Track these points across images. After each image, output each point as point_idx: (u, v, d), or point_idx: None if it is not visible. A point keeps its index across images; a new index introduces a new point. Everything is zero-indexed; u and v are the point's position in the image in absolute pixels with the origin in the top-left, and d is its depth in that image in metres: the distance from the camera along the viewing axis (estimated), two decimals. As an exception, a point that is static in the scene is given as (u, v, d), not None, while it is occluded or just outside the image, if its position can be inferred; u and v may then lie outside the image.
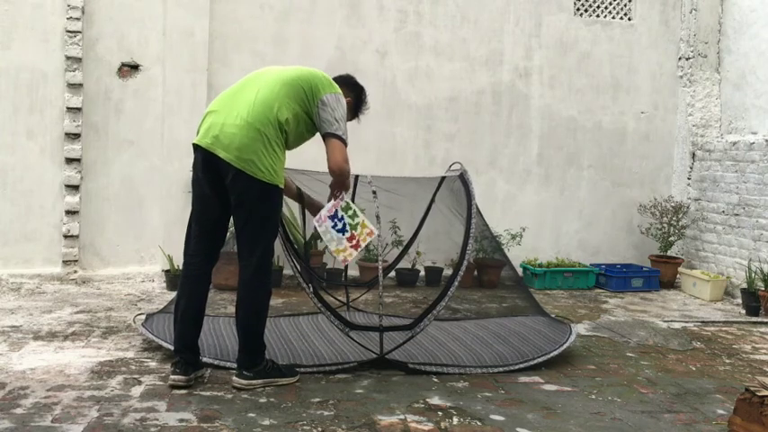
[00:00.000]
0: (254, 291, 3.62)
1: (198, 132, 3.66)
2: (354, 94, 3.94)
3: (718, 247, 6.93)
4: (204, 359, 3.86)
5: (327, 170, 3.75)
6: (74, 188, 6.04)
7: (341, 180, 3.79)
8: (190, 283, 3.71)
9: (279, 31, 6.55)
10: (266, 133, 3.50)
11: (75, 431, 2.99)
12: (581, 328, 5.14)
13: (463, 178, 4.43)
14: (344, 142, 3.65)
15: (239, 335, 3.65)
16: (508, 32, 7.11)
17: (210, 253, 3.73)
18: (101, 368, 3.83)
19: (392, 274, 6.23)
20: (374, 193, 4.12)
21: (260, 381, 3.60)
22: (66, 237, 6.03)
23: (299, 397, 3.51)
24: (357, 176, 5.06)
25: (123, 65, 6.19)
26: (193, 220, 3.72)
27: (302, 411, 3.32)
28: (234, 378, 3.61)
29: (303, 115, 3.63)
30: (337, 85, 3.74)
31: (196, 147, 3.61)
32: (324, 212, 3.99)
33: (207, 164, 3.57)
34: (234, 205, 3.59)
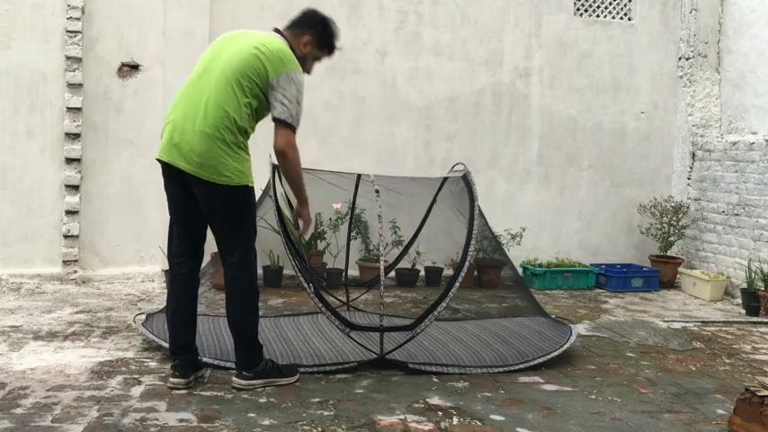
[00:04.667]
0: (240, 291, 3.60)
1: (161, 141, 3.60)
2: (314, 31, 3.69)
3: (718, 247, 6.93)
4: (204, 359, 3.86)
5: (329, 169, 3.76)
6: (74, 188, 6.04)
7: (283, 167, 3.59)
8: (177, 283, 3.70)
9: (279, 31, 6.55)
10: (225, 139, 3.42)
11: (75, 431, 2.99)
12: (581, 328, 5.14)
13: (467, 179, 4.43)
14: (291, 127, 3.47)
15: (233, 337, 3.65)
16: (508, 32, 7.11)
17: (193, 251, 3.71)
18: (101, 368, 3.83)
19: (392, 274, 6.24)
20: (377, 192, 4.12)
21: (260, 381, 3.60)
22: (66, 237, 6.03)
23: (299, 397, 3.51)
24: (359, 175, 5.07)
25: (123, 65, 6.19)
26: (172, 221, 3.70)
27: (302, 411, 3.32)
28: (234, 379, 3.61)
29: (261, 103, 3.51)
30: (290, 58, 3.50)
31: (159, 160, 3.57)
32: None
33: (171, 174, 3.54)
34: (206, 212, 3.56)
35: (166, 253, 3.78)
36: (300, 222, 3.82)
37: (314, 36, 3.70)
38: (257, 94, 3.48)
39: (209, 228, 3.71)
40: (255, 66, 3.45)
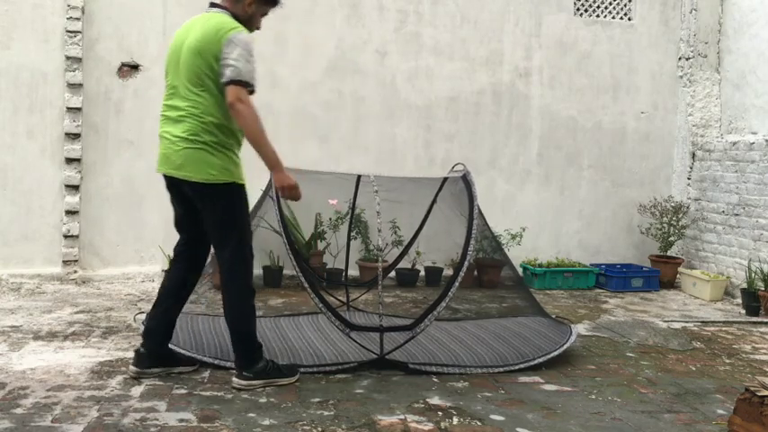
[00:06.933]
0: (231, 291, 3.63)
1: None
2: None
3: (718, 247, 6.93)
4: (204, 359, 3.88)
5: (329, 169, 3.77)
6: (74, 188, 6.04)
7: (238, 123, 3.47)
8: (167, 273, 3.87)
9: (279, 31, 6.55)
10: (205, 141, 3.49)
11: (75, 431, 2.99)
12: (581, 328, 5.14)
13: (466, 179, 4.43)
14: (240, 83, 3.38)
15: (231, 336, 3.67)
16: (508, 32, 7.11)
17: (191, 238, 3.79)
18: (101, 368, 3.83)
19: (392, 274, 6.24)
20: (376, 192, 4.12)
21: (260, 381, 3.60)
22: (66, 237, 6.03)
23: (299, 397, 3.51)
24: (359, 176, 5.07)
25: (123, 65, 6.19)
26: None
27: (302, 411, 3.32)
28: (234, 379, 3.61)
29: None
30: (225, 26, 3.43)
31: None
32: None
33: (168, 183, 3.70)
34: (200, 211, 3.65)
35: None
36: (281, 191, 3.67)
37: None
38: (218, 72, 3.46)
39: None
40: (207, 60, 3.44)
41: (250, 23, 3.63)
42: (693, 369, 4.32)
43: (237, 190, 3.59)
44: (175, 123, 3.54)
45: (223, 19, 3.50)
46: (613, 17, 7.41)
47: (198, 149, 3.49)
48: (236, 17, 3.55)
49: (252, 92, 3.46)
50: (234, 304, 3.62)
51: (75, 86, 6.00)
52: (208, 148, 3.49)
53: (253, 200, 5.19)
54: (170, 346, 3.90)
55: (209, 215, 3.61)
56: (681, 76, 7.51)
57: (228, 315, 3.63)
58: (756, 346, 4.96)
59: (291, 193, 3.62)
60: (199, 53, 3.45)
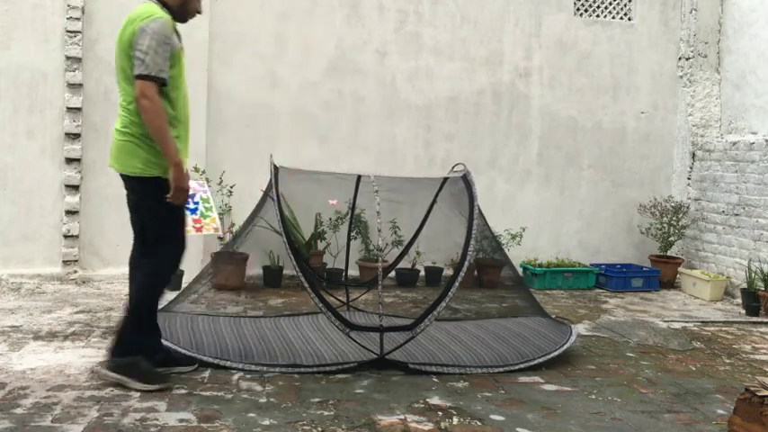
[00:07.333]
0: (138, 281, 3.63)
1: None
2: None
3: (718, 247, 6.93)
4: (204, 358, 3.88)
5: (329, 169, 3.76)
6: (74, 188, 6.04)
7: (143, 118, 3.42)
8: (130, 264, 3.79)
9: (279, 31, 6.55)
10: (132, 133, 3.50)
11: (75, 431, 2.99)
12: (581, 328, 5.14)
13: (466, 179, 4.43)
14: (147, 77, 3.36)
15: (123, 316, 3.69)
16: (508, 32, 7.11)
17: (142, 248, 3.74)
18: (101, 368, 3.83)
19: (392, 274, 6.24)
20: (376, 192, 4.12)
21: (115, 375, 3.53)
22: (66, 237, 6.03)
23: (299, 397, 3.51)
24: (359, 176, 5.07)
25: (123, 65, 6.19)
26: None
27: (302, 411, 3.32)
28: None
29: None
30: (140, 15, 3.41)
31: None
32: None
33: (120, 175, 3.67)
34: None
35: None
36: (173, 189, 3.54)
37: None
38: None
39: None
40: (125, 51, 3.45)
41: (185, 9, 3.61)
42: (693, 369, 4.32)
43: (164, 185, 3.51)
44: (118, 118, 3.58)
45: (143, 8, 3.48)
46: (613, 17, 7.41)
47: (126, 141, 3.51)
48: (166, 5, 3.54)
49: (164, 84, 3.44)
50: (134, 292, 3.62)
51: (75, 86, 6.00)
52: (135, 140, 3.49)
53: (253, 200, 5.23)
54: (170, 345, 3.90)
55: (139, 207, 3.63)
56: (681, 76, 7.51)
57: (131, 298, 3.63)
58: (756, 346, 4.96)
59: (180, 196, 3.52)
60: (119, 45, 3.49)
